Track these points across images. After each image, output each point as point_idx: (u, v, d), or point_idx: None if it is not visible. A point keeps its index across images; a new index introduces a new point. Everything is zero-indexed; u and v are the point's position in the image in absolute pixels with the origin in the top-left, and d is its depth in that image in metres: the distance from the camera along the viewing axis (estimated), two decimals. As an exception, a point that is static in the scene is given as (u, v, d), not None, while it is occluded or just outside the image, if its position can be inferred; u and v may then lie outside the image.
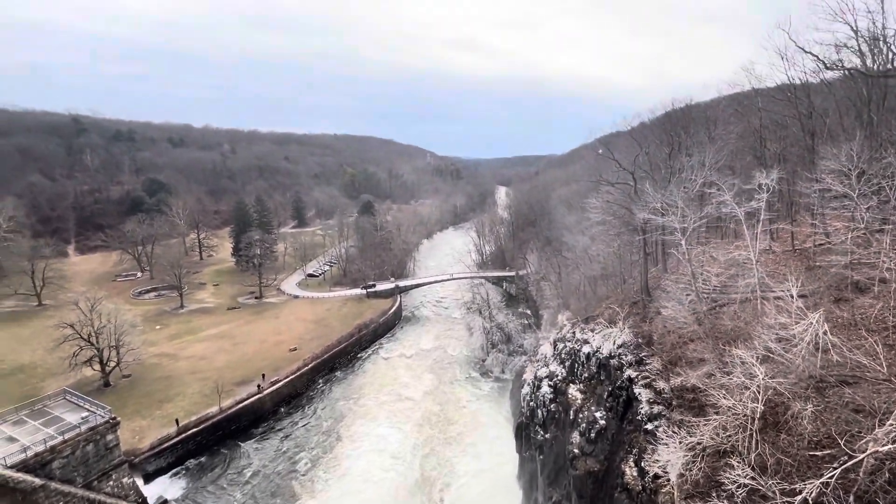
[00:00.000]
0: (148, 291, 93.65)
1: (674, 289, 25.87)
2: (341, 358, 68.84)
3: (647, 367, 24.43)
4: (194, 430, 47.87)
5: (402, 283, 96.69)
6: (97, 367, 53.01)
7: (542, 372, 36.44)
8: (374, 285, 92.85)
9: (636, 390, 23.65)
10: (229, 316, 79.62)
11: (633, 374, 24.67)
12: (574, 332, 34.59)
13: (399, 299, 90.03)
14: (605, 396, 27.19)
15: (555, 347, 37.29)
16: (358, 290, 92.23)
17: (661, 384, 22.81)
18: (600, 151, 56.73)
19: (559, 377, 33.79)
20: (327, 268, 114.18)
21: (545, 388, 34.58)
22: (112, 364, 53.97)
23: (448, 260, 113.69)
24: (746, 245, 23.18)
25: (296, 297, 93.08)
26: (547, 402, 33.95)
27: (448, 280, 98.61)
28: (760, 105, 35.60)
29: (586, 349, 30.89)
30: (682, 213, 23.83)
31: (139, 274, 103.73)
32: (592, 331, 31.64)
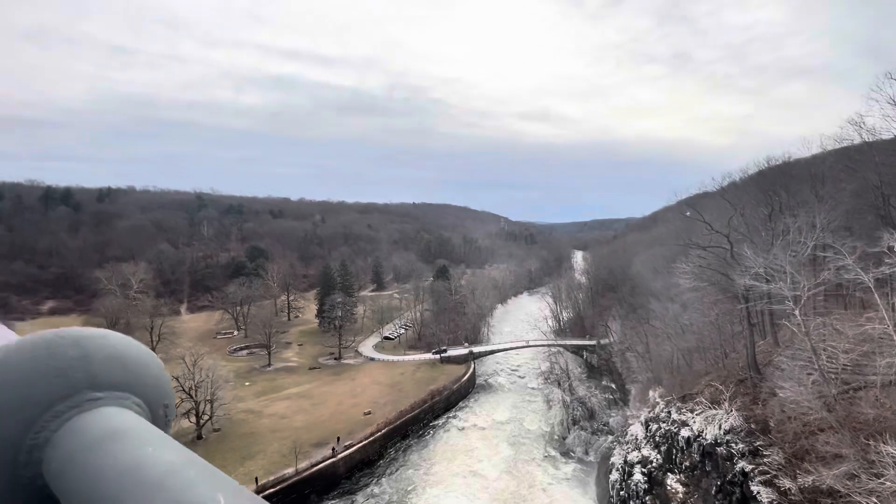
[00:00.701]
0: (242, 349, 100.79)
1: (790, 366, 22.46)
2: (414, 425, 67.36)
3: (765, 460, 20.81)
4: (272, 489, 48.41)
5: (476, 349, 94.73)
6: (193, 419, 56.77)
7: (634, 456, 32.54)
8: (446, 350, 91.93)
9: (754, 488, 20.06)
10: (310, 376, 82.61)
11: (749, 468, 21.09)
12: (669, 412, 30.92)
13: (473, 366, 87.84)
14: (713, 492, 23.36)
15: (647, 428, 33.44)
16: (431, 355, 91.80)
17: (785, 482, 19.16)
18: (688, 213, 53.71)
19: (654, 464, 29.89)
20: (402, 331, 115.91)
21: (638, 476, 30.65)
22: (206, 417, 57.53)
23: (523, 326, 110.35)
24: (881, 317, 19.77)
25: (372, 359, 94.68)
26: (641, 494, 29.91)
27: (524, 347, 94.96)
28: (878, 159, 31.95)
29: (685, 433, 27.26)
30: (793, 279, 21.19)
31: (236, 332, 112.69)
32: (691, 411, 28.06)
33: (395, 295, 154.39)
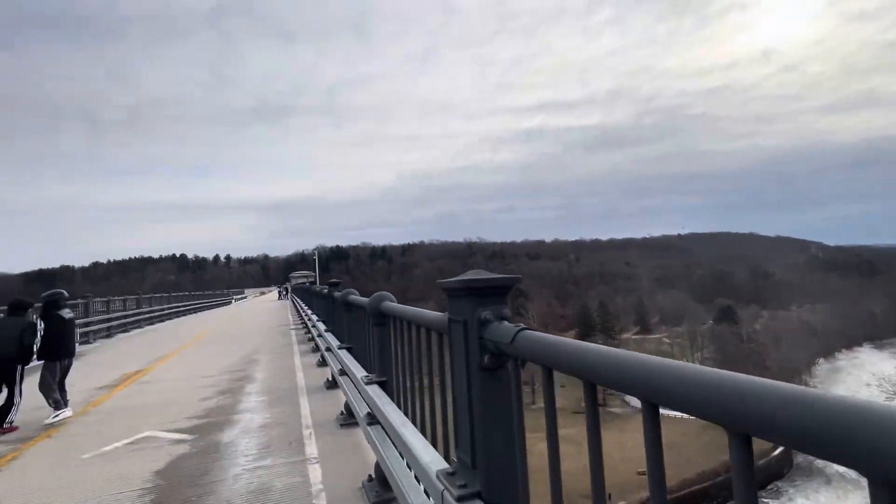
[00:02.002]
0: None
1: None
2: (706, 502, 53.38)
3: None
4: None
5: (790, 415, 70.51)
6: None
7: None
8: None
9: None
10: (573, 419, 77.84)
11: None
12: None
13: (787, 437, 65.15)
14: None
15: None
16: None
17: None
18: None
19: None
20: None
21: None
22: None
23: (873, 392, 76.87)
24: None
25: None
26: None
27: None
28: None
29: None
30: None
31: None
32: None
33: (665, 340, 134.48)
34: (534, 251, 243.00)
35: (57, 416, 6.20)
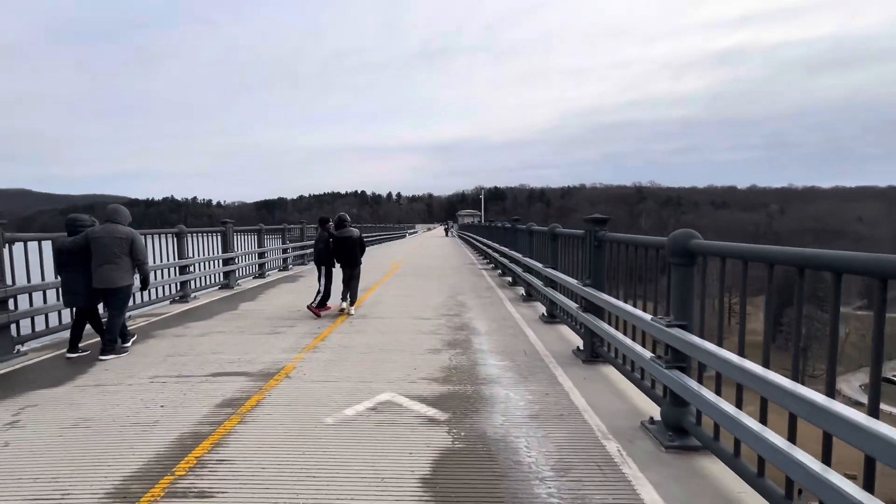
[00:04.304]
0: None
1: None
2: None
3: None
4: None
5: None
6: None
7: None
8: None
9: None
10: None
11: None
12: None
13: None
14: None
15: None
16: None
17: None
18: None
19: None
20: (926, 377, 75.11)
21: None
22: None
23: None
24: None
25: (859, 403, 66.11)
26: None
27: None
28: None
29: None
30: None
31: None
32: None
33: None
34: (720, 199, 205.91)
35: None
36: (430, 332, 6.81)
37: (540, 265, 8.03)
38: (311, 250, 18.06)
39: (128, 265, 5.71)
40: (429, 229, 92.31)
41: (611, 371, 5.00)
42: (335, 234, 8.42)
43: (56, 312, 6.62)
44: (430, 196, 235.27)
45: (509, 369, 5.09)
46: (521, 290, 10.39)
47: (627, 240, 4.62)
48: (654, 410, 3.78)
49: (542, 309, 8.31)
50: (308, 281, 13.20)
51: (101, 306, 6.05)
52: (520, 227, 11.41)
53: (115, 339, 5.74)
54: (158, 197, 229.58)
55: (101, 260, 5.55)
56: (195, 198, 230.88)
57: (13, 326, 5.90)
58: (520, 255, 10.15)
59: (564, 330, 6.87)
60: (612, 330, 4.72)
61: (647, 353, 3.81)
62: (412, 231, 69.98)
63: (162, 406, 4.09)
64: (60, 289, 6.01)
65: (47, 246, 6.37)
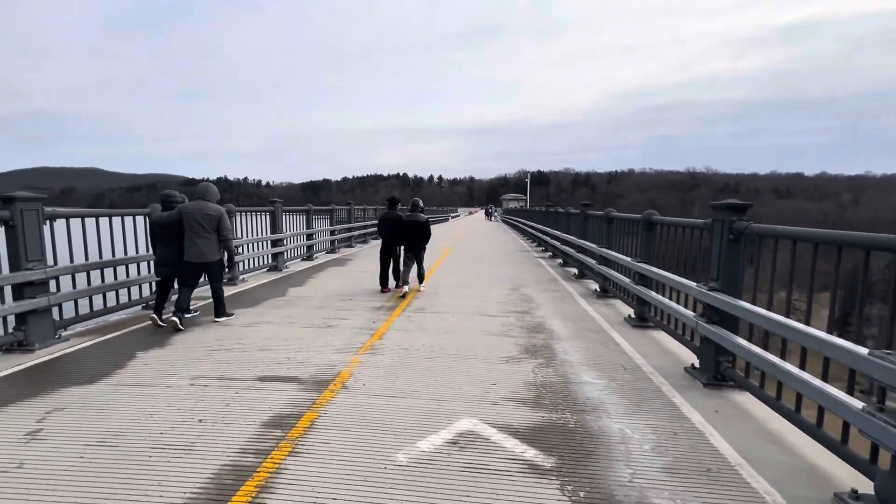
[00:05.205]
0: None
1: None
2: None
3: None
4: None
5: None
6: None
7: None
8: None
9: None
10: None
11: None
12: None
13: None
14: None
15: None
16: None
17: None
18: None
19: None
20: None
21: None
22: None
23: None
24: None
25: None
26: None
27: None
28: None
29: None
30: None
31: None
32: None
33: None
34: (785, 186, 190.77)
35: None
36: (500, 333, 5.90)
37: (629, 259, 6.90)
38: (359, 233, 17.77)
39: (216, 241, 6.08)
40: (470, 213, 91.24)
41: (748, 399, 3.91)
42: (404, 217, 8.47)
43: (100, 295, 6.23)
44: (472, 179, 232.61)
45: (612, 391, 4.10)
46: (593, 285, 9.28)
47: (783, 233, 3.50)
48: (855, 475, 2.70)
49: (625, 308, 7.20)
50: (356, 265, 12.59)
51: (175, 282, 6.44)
52: (591, 214, 10.23)
53: (223, 303, 6.43)
54: (213, 177, 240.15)
55: (192, 235, 5.95)
56: (246, 178, 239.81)
57: (55, 310, 5.51)
58: (594, 246, 9.02)
59: (662, 338, 5.76)
60: (759, 350, 3.62)
61: (835, 390, 2.73)
62: (454, 214, 69.13)
63: (200, 421, 3.42)
64: (153, 261, 6.60)
65: (91, 224, 6.10)
